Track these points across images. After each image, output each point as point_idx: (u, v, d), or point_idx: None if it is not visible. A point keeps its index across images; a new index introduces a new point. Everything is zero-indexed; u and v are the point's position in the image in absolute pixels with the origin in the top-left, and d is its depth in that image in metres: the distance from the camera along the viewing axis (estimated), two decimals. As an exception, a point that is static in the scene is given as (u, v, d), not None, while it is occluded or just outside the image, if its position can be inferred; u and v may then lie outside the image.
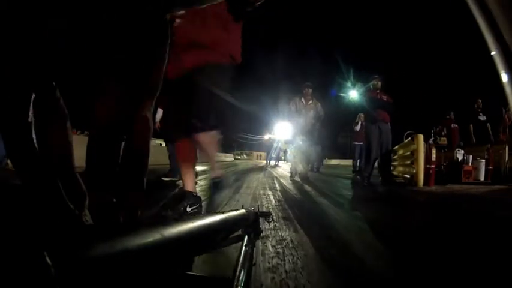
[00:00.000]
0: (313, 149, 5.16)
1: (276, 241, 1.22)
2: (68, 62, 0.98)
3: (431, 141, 5.18)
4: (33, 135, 0.78)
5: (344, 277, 0.89)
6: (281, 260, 0.99)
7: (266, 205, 2.27)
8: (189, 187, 1.68)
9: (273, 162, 13.95)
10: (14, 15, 0.73)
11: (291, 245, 1.18)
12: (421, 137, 4.46)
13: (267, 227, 1.44)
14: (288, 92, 5.13)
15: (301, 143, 5.02)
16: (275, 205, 2.28)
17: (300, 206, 2.36)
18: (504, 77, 0.46)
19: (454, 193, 3.78)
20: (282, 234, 1.34)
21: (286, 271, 0.89)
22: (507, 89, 0.46)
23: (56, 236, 0.23)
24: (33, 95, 0.82)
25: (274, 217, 1.73)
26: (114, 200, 0.98)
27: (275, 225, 1.51)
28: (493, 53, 0.47)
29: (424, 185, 4.33)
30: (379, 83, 4.63)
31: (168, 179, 3.79)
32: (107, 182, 0.99)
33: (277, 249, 1.11)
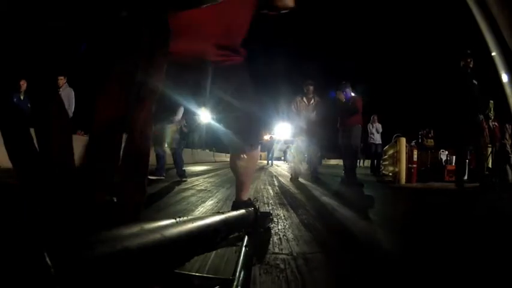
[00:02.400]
0: (311, 150, 5.10)
1: (274, 215, 1.83)
2: (68, 62, 0.98)
3: (413, 143, 5.45)
4: (33, 135, 0.78)
5: (313, 231, 1.50)
6: (275, 224, 1.61)
7: (266, 196, 2.85)
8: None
9: (277, 162, 13.79)
10: (14, 14, 0.73)
11: (283, 217, 1.82)
12: (403, 139, 4.89)
13: (267, 208, 2.12)
14: (288, 92, 5.08)
15: (300, 143, 4.99)
16: (273, 196, 2.88)
17: (292, 196, 2.96)
18: (504, 78, 0.46)
19: (425, 188, 4.35)
20: (277, 212, 1.98)
21: (278, 229, 1.52)
22: (507, 89, 0.46)
23: (56, 236, 0.23)
24: (33, 95, 0.82)
25: (272, 203, 2.41)
26: (114, 200, 0.98)
27: (273, 208, 2.18)
28: (493, 53, 0.47)
29: (406, 182, 4.73)
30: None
31: (154, 177, 3.77)
32: (107, 182, 0.99)
33: (273, 220, 1.70)
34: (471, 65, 3.94)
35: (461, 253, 1.25)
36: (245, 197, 1.60)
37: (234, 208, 1.52)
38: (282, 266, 1.00)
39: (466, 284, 0.97)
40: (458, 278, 1.00)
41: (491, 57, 0.48)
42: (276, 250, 1.17)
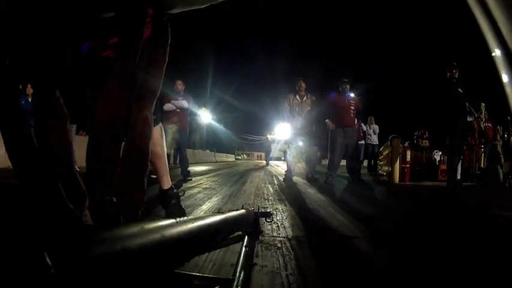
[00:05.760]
0: (311, 150, 5.07)
1: (273, 209, 2.11)
2: (68, 62, 0.98)
3: (406, 144, 5.55)
4: (33, 135, 0.78)
5: (306, 221, 1.74)
6: (275, 216, 1.79)
7: (266, 193, 3.10)
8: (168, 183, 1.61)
9: (277, 162, 13.68)
10: (14, 15, 0.73)
11: (281, 210, 2.08)
12: (397, 140, 5.05)
13: (268, 203, 2.35)
14: (288, 92, 5.04)
15: (301, 143, 4.96)
16: (272, 193, 3.16)
17: (289, 193, 3.23)
18: (505, 78, 0.46)
19: (416, 186, 4.55)
20: (276, 206, 2.23)
21: (277, 219, 1.72)
22: (507, 90, 0.46)
23: (56, 236, 0.23)
24: (33, 95, 0.82)
25: (272, 199, 2.66)
26: (114, 200, 0.98)
27: (272, 203, 2.40)
28: (493, 53, 0.47)
29: (400, 181, 4.91)
30: (348, 86, 4.52)
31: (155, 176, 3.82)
32: (107, 182, 0.99)
33: (272, 211, 1.86)
34: (456, 75, 4.37)
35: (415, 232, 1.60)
36: (166, 186, 1.61)
37: (161, 197, 1.56)
38: (279, 245, 1.23)
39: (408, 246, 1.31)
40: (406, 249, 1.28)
41: (491, 57, 0.48)
42: (275, 234, 1.41)
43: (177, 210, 1.60)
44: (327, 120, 4.58)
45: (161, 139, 1.61)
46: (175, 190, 1.66)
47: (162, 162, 1.63)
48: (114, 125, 1.01)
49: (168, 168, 1.67)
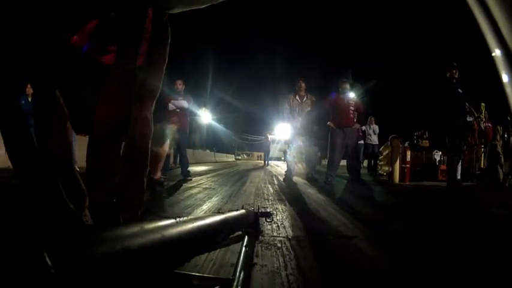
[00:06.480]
0: (311, 150, 5.08)
1: (273, 208, 2.13)
2: (67, 61, 0.98)
3: (406, 144, 5.57)
4: (33, 135, 0.78)
5: (305, 221, 1.76)
6: (275, 216, 1.82)
7: (266, 193, 3.15)
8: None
9: (277, 162, 13.62)
10: (13, 14, 0.73)
11: (281, 210, 2.11)
12: (397, 140, 5.09)
13: (268, 203, 2.38)
14: (288, 92, 5.04)
15: (301, 143, 4.96)
16: (272, 192, 3.21)
17: (289, 192, 3.28)
18: (505, 78, 0.46)
19: (415, 186, 4.58)
20: (276, 206, 2.26)
21: (277, 219, 1.75)
22: (507, 90, 0.46)
23: (56, 236, 0.23)
24: (33, 95, 0.82)
25: (272, 198, 2.70)
26: (114, 200, 0.98)
27: (272, 203, 2.44)
28: (493, 53, 0.47)
29: (400, 181, 4.93)
30: (347, 87, 4.52)
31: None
32: (107, 182, 0.98)
33: (272, 211, 1.90)
34: (456, 76, 4.37)
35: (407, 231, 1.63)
36: (156, 176, 1.75)
37: (148, 184, 1.68)
38: (279, 245, 1.24)
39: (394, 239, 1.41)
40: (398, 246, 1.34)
41: (491, 57, 0.48)
42: (275, 234, 1.42)
43: (158, 201, 1.72)
44: (329, 123, 4.60)
45: (165, 144, 1.76)
46: (162, 178, 1.79)
47: (159, 162, 1.78)
48: (114, 125, 1.01)
49: (162, 165, 1.82)
